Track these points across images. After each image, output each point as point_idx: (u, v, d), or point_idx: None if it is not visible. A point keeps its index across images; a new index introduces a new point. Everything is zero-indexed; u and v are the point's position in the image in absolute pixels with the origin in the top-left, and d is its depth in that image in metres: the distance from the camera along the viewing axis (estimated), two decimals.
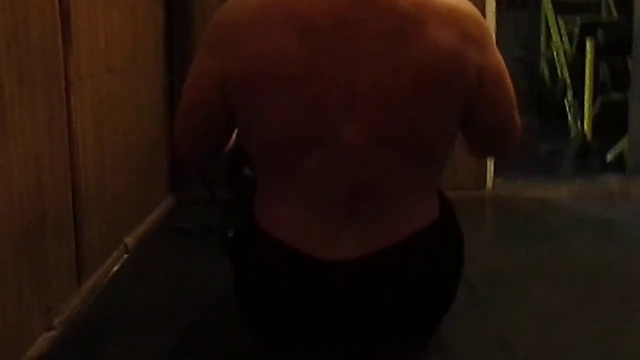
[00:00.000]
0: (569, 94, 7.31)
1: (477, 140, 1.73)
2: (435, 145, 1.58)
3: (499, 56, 1.62)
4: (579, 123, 6.96)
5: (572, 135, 7.05)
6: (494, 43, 1.61)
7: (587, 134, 6.72)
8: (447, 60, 1.50)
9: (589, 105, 6.76)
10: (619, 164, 6.16)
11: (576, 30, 7.18)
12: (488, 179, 5.34)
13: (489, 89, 1.58)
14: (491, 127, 1.67)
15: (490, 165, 5.33)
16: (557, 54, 7.77)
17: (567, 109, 7.34)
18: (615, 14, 8.19)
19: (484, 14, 5.03)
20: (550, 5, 8.29)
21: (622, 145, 6.23)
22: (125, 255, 3.83)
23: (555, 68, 7.87)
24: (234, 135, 1.72)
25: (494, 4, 5.20)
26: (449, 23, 1.50)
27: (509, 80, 1.65)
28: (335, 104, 1.49)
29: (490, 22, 5.12)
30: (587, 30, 6.94)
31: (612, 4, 8.37)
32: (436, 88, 1.50)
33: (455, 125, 1.59)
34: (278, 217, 1.61)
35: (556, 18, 8.09)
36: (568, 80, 7.43)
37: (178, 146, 1.77)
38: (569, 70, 7.49)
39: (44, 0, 2.85)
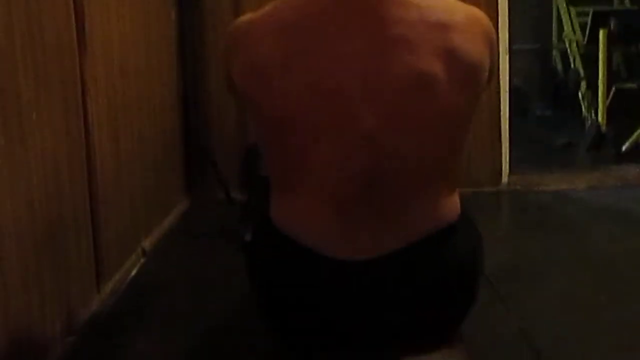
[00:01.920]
0: (583, 84, 7.27)
1: None
2: (459, 128, 1.57)
3: (497, 53, 1.71)
4: (593, 113, 6.93)
5: (586, 126, 7.01)
6: None
7: (602, 124, 6.68)
8: (478, 56, 1.54)
9: (603, 95, 6.72)
10: (634, 154, 6.13)
11: (588, 19, 7.13)
12: (504, 173, 5.32)
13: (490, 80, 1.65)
14: None
15: (505, 160, 5.32)
16: (570, 45, 7.74)
17: (581, 99, 7.31)
18: (627, 2, 8.15)
19: (496, 7, 5.04)
20: None
21: (637, 135, 6.20)
22: (143, 259, 3.83)
23: (568, 59, 7.84)
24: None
25: None
26: (475, 27, 1.56)
27: None
28: (345, 87, 1.47)
29: (503, 14, 5.11)
30: (600, 19, 6.89)
31: None
32: (467, 77, 1.51)
33: (473, 110, 1.59)
34: (293, 215, 1.58)
35: (568, 8, 8.05)
36: (581, 71, 7.39)
37: None
38: (582, 60, 7.46)
39: (59, 5, 2.86)
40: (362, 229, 1.53)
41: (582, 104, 7.29)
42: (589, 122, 6.95)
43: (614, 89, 6.83)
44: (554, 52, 8.63)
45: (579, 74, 7.40)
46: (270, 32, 1.51)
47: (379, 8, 1.49)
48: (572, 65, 7.67)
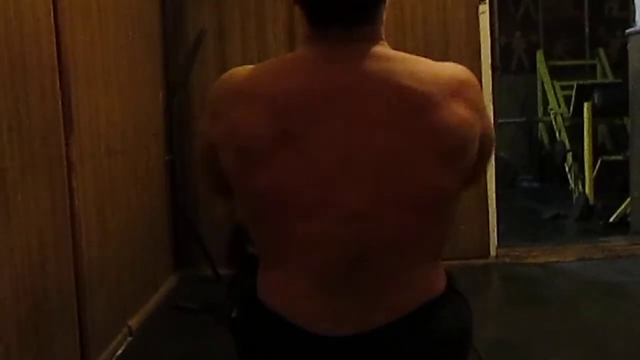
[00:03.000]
0: (569, 156, 7.33)
1: None
2: (445, 204, 1.56)
3: (488, 115, 1.64)
4: (580, 185, 6.97)
5: (574, 197, 7.04)
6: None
7: (589, 196, 6.71)
8: (462, 129, 1.49)
9: (590, 167, 6.78)
10: (623, 225, 6.14)
11: (572, 93, 7.24)
12: (492, 246, 5.32)
13: (484, 149, 1.59)
14: (475, 173, 1.65)
15: (493, 232, 5.33)
16: (555, 118, 7.83)
17: (568, 171, 7.36)
18: (610, 75, 8.28)
19: (480, 81, 5.09)
20: (545, 70, 8.40)
21: (625, 206, 6.22)
22: (129, 338, 3.78)
23: (554, 131, 7.92)
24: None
25: (489, 70, 5.26)
26: (459, 96, 1.51)
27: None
28: (329, 168, 1.45)
29: (487, 89, 5.18)
30: (584, 92, 6.99)
31: (607, 65, 8.47)
32: (451, 153, 1.48)
33: (462, 182, 1.58)
34: (278, 291, 1.56)
35: (552, 82, 8.18)
36: (567, 143, 7.46)
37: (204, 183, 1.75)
38: (568, 133, 7.54)
39: (45, 85, 2.89)
40: (348, 305, 1.51)
41: (568, 175, 7.34)
42: (577, 194, 6.98)
43: (600, 160, 6.90)
44: (540, 125, 8.73)
45: (564, 146, 7.47)
46: (260, 109, 1.49)
47: (361, 89, 1.50)
48: (558, 138, 7.75)
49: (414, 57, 1.55)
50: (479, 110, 1.56)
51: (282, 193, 1.48)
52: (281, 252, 1.55)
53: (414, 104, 1.48)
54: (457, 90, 1.52)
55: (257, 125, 1.48)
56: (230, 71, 1.60)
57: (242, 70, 1.57)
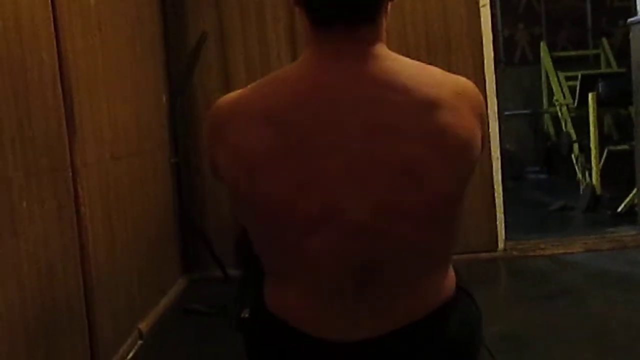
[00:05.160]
0: (575, 147, 7.32)
1: None
2: (452, 210, 1.55)
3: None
4: (587, 176, 6.96)
5: (581, 188, 7.03)
6: None
7: (596, 187, 6.70)
8: (467, 134, 1.49)
9: (596, 158, 6.76)
10: (630, 215, 6.12)
11: (577, 83, 7.22)
12: (499, 239, 5.32)
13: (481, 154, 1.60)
14: None
15: (501, 226, 5.33)
16: (560, 109, 7.81)
17: (575, 162, 7.35)
18: (614, 65, 8.26)
19: (482, 74, 5.11)
20: (549, 61, 8.38)
21: (632, 196, 6.21)
22: (140, 342, 3.80)
23: (560, 123, 7.90)
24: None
25: (492, 63, 5.25)
26: (464, 101, 1.51)
27: None
28: (334, 179, 1.43)
29: (490, 81, 5.18)
30: (588, 83, 6.98)
31: (610, 55, 8.45)
32: (456, 156, 1.47)
33: (465, 188, 1.56)
34: (286, 301, 1.56)
35: (556, 73, 8.16)
36: (573, 134, 7.45)
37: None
38: (573, 124, 7.52)
39: (47, 92, 2.90)
40: (358, 312, 1.51)
41: (575, 166, 7.33)
42: (584, 184, 6.97)
43: (606, 151, 6.88)
44: (545, 117, 8.71)
45: (570, 137, 7.46)
46: (257, 123, 1.46)
47: (364, 92, 1.46)
48: (563, 129, 7.73)
49: (416, 62, 1.54)
50: (482, 117, 1.57)
51: (286, 209, 1.46)
52: (285, 267, 1.55)
53: (422, 107, 1.45)
54: (461, 95, 1.51)
55: (256, 138, 1.45)
56: (219, 99, 1.60)
57: (232, 94, 1.57)
